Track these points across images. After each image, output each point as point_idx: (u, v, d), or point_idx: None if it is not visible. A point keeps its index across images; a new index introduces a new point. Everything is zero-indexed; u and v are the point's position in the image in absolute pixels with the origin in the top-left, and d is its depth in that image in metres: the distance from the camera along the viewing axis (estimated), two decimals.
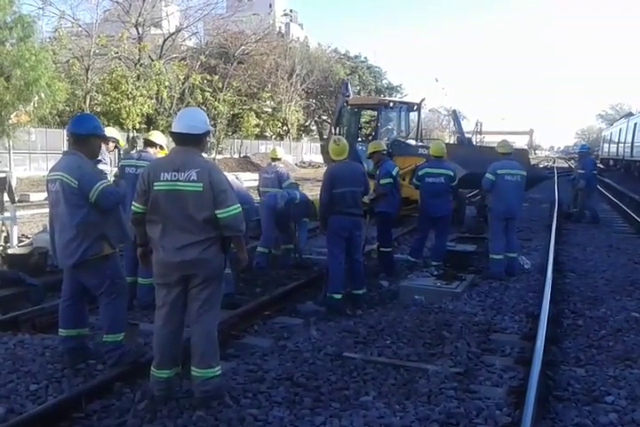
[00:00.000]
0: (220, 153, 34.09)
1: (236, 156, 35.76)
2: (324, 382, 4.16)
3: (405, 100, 15.85)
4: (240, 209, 3.63)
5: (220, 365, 3.74)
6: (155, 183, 3.56)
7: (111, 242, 4.19)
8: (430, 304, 6.22)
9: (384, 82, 53.78)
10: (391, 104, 13.66)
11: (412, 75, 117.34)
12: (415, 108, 14.32)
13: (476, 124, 52.00)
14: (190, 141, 3.64)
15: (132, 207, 3.69)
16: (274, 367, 4.37)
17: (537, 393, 3.80)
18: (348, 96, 14.18)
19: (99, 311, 4.35)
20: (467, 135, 13.50)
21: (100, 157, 6.00)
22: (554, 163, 49.63)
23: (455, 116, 12.56)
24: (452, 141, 12.82)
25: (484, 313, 5.95)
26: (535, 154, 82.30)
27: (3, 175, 7.61)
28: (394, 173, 7.74)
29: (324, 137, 18.72)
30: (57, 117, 24.83)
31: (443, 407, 3.79)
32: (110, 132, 6.50)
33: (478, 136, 49.76)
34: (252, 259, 7.26)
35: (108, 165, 6.14)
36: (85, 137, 4.21)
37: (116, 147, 6.46)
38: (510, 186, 7.60)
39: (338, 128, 14.19)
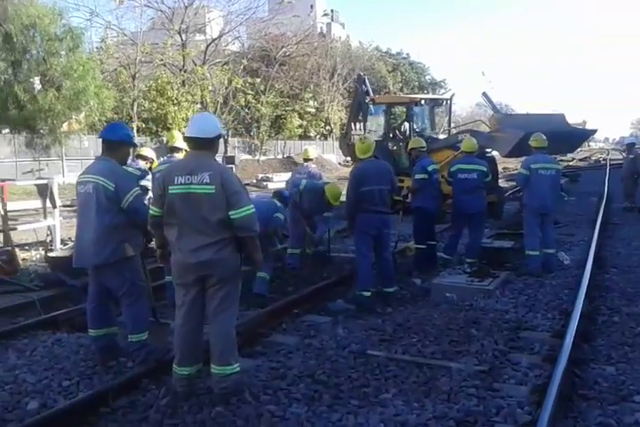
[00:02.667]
0: (264, 154, 34.46)
1: (280, 156, 36.08)
2: (345, 379, 4.20)
3: (435, 96, 15.89)
4: (253, 210, 3.71)
5: (238, 362, 3.83)
6: (170, 187, 3.68)
7: (132, 245, 4.35)
8: (461, 302, 6.17)
9: (427, 77, 53.20)
10: (422, 102, 13.68)
11: (457, 69, 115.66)
12: (445, 103, 14.33)
13: None
14: (203, 145, 3.75)
15: (150, 211, 3.83)
16: (296, 365, 4.43)
17: (559, 391, 3.74)
18: (367, 92, 14.26)
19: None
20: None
21: (145, 174, 6.46)
22: (608, 155, 47.93)
23: (486, 97, 12.53)
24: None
25: (516, 311, 5.85)
26: (589, 146, 79.74)
27: (45, 182, 7.98)
28: (429, 169, 7.69)
29: (343, 131, 18.92)
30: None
31: (462, 406, 3.77)
32: (147, 151, 7.14)
33: None
34: (283, 259, 7.38)
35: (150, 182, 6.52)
36: (117, 143, 4.41)
37: (150, 168, 6.78)
38: (545, 181, 7.42)
39: (358, 124, 14.32)
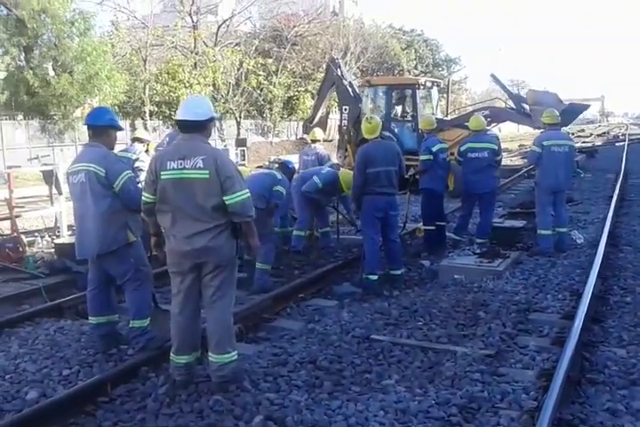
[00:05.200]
0: (276, 136, 34.23)
1: (293, 138, 35.81)
2: (348, 365, 4.12)
3: (435, 79, 16.64)
4: (248, 195, 3.61)
5: (236, 349, 3.77)
6: (162, 172, 3.58)
7: (133, 230, 4.29)
8: (470, 283, 6.05)
9: (441, 54, 52.12)
10: (427, 83, 14.03)
11: (473, 46, 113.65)
12: (442, 85, 15.80)
13: None
14: (195, 128, 3.63)
15: (142, 198, 3.73)
16: (299, 351, 4.37)
17: (566, 376, 3.63)
18: (343, 76, 14.74)
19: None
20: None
21: (138, 156, 6.40)
22: (626, 129, 46.96)
23: (495, 78, 12.51)
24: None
25: (526, 292, 5.73)
26: (607, 121, 78.23)
27: (50, 169, 7.95)
28: (434, 149, 7.49)
29: (308, 115, 19.52)
30: (117, 108, 25.47)
31: (465, 391, 3.68)
32: (143, 133, 7.16)
33: None
34: (289, 242, 7.28)
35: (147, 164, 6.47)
36: (103, 128, 4.34)
37: (147, 150, 6.73)
38: (558, 158, 7.21)
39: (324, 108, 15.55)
